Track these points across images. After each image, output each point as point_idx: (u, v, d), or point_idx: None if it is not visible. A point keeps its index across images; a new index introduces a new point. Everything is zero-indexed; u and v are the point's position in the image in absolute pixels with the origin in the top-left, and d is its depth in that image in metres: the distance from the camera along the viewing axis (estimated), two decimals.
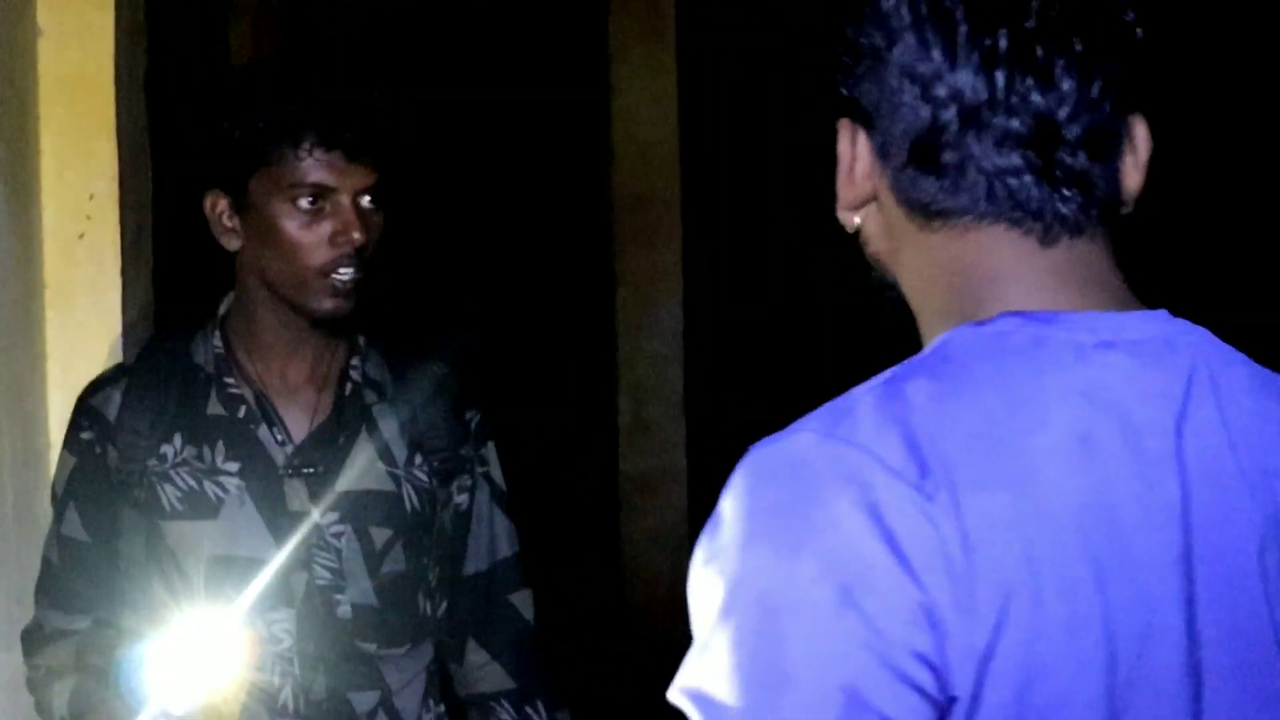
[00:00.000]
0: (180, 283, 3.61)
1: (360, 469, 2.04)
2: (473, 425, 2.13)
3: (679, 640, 3.82)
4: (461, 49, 5.21)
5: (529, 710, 2.14)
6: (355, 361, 2.09)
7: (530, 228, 5.40)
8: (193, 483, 2.02)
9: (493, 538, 2.14)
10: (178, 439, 2.04)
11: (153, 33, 2.65)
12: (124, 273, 2.49)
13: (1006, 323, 1.02)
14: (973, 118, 1.03)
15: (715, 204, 5.36)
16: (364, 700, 2.05)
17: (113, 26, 2.45)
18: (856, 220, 1.12)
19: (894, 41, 1.05)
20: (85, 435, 2.06)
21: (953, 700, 0.94)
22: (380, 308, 2.08)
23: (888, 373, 1.02)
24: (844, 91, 1.09)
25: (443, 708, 2.13)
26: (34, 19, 2.42)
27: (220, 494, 2.02)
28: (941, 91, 1.03)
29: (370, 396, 2.08)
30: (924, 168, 1.05)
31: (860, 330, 5.58)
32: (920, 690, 0.93)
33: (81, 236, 2.46)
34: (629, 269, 5.19)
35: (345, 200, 1.96)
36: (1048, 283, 1.04)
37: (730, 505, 0.99)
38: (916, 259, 1.08)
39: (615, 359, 5.22)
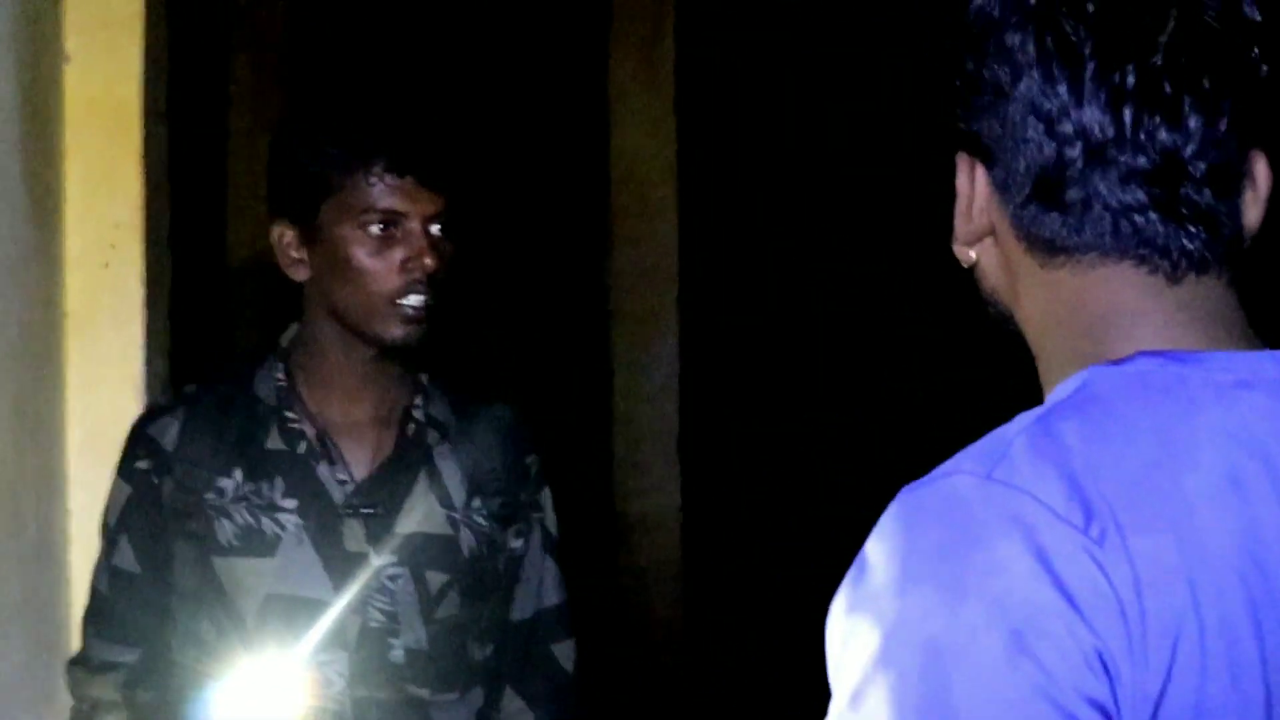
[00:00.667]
0: (195, 314, 3.57)
1: (420, 511, 2.01)
2: (532, 470, 2.10)
3: (672, 678, 3.75)
4: (461, 87, 5.20)
5: None
6: (419, 400, 2.05)
7: (528, 263, 5.38)
8: (250, 519, 1.98)
9: (540, 585, 2.10)
10: (237, 473, 1.99)
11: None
12: (146, 303, 2.46)
13: (1145, 362, 1.01)
14: (1099, 155, 1.02)
15: (713, 244, 5.35)
16: None
17: (141, 53, 2.43)
18: (973, 255, 1.11)
19: (1019, 77, 1.04)
20: (141, 465, 2.01)
21: None
22: (447, 338, 2.05)
23: (1035, 413, 1.01)
24: (961, 125, 1.08)
25: None
26: (61, 45, 2.41)
27: (278, 531, 1.98)
28: (1067, 128, 1.02)
29: (433, 437, 2.04)
30: (1047, 204, 1.04)
31: (859, 373, 5.58)
32: None
33: (106, 265, 2.44)
34: (626, 307, 5.17)
35: (416, 226, 1.93)
36: (1178, 321, 1.03)
37: (882, 549, 0.97)
38: (1038, 295, 1.07)
39: (611, 397, 5.20)
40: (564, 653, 2.13)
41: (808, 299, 5.53)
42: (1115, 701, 0.92)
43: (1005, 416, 1.04)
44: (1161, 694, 0.92)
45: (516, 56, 5.16)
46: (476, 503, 2.04)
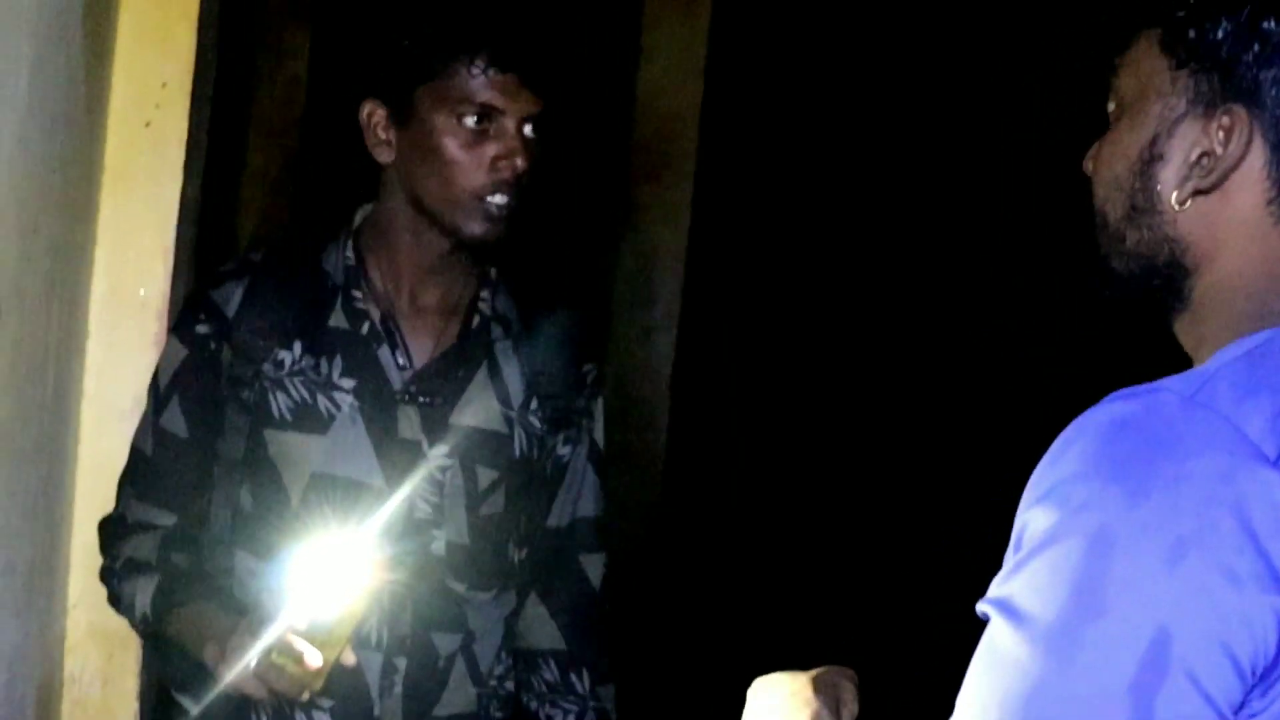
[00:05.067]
0: (223, 187, 3.54)
1: (476, 405, 1.98)
2: (589, 378, 2.08)
3: (644, 614, 3.70)
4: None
5: (573, 676, 2.09)
6: (485, 294, 2.02)
7: (545, 187, 5.35)
8: (306, 394, 1.95)
9: (579, 495, 2.08)
10: (297, 346, 1.96)
11: None
12: (185, 166, 2.43)
13: None
14: None
15: (729, 187, 5.32)
16: (447, 642, 1.99)
17: None
18: (1186, 202, 1.15)
19: None
20: (201, 329, 1.98)
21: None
22: (520, 239, 2.02)
23: (1235, 351, 1.09)
24: (1253, 79, 1.12)
25: (510, 661, 2.08)
26: None
27: (333, 410, 1.95)
28: None
29: (496, 332, 2.02)
30: None
31: (863, 332, 5.57)
32: (1229, 651, 0.99)
33: (148, 125, 2.40)
34: (634, 240, 5.15)
35: (511, 125, 1.90)
36: None
37: (1081, 445, 1.04)
38: (1257, 253, 1.13)
39: (610, 328, 5.18)
40: (592, 565, 2.11)
41: (817, 255, 5.52)
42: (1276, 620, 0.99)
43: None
44: None
45: None
46: (534, 404, 2.02)
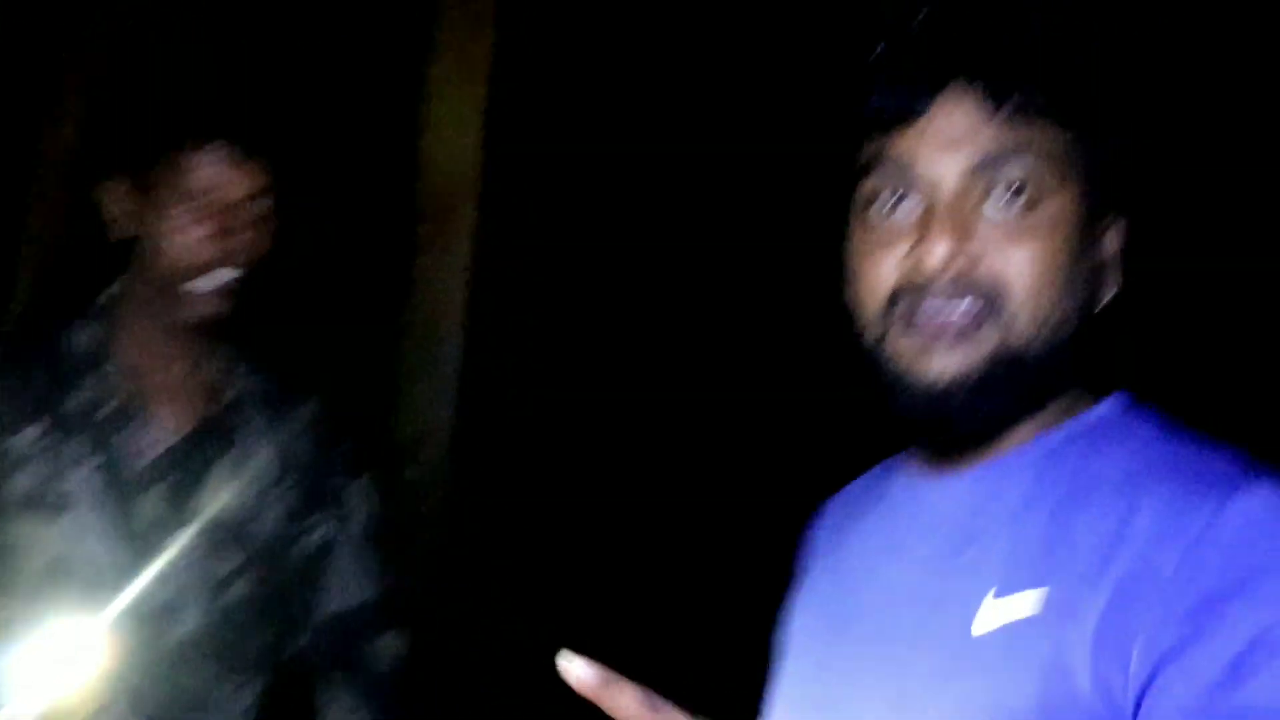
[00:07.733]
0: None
1: (221, 488, 1.98)
2: (341, 462, 2.08)
3: (436, 660, 3.59)
4: (284, 73, 5.11)
5: None
6: (236, 373, 2.02)
7: (320, 263, 5.31)
8: (46, 475, 1.92)
9: (357, 578, 2.09)
10: (38, 425, 1.93)
11: None
12: None
13: None
14: None
15: (507, 257, 5.34)
16: None
17: None
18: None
19: None
20: None
21: None
22: (258, 315, 2.02)
23: None
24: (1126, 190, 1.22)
25: None
26: None
27: (73, 491, 1.93)
28: None
29: (243, 415, 2.01)
30: None
31: (655, 389, 5.62)
32: None
33: None
34: (418, 309, 5.13)
35: (234, 201, 1.92)
36: None
37: None
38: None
39: (395, 402, 5.15)
40: (387, 646, 2.11)
41: (602, 315, 5.57)
42: None
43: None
44: None
45: (338, 41, 5.09)
46: (279, 488, 2.02)
